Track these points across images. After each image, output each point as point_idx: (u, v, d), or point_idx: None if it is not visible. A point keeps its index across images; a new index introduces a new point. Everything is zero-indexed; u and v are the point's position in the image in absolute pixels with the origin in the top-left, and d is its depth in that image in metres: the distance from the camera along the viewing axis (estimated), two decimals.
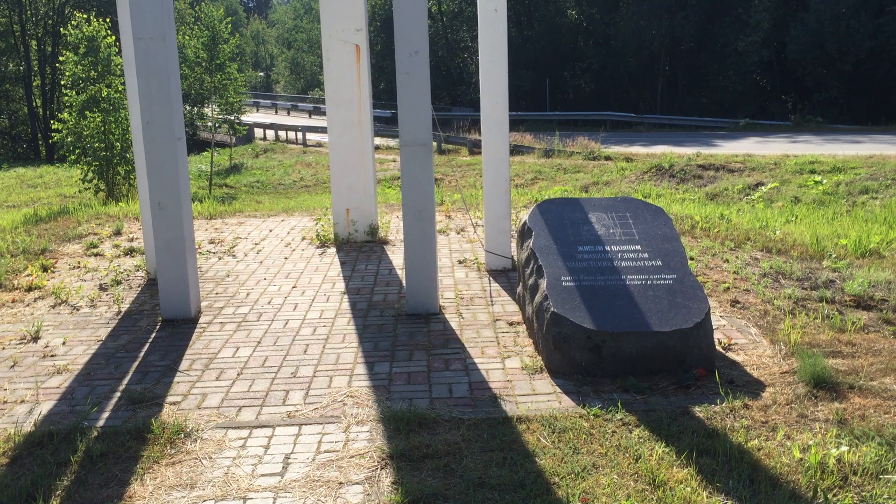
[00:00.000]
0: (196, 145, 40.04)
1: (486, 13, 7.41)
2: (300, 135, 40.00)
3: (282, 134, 42.23)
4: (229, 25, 32.76)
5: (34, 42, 52.11)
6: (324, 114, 43.64)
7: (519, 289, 6.15)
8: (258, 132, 43.69)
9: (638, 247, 5.49)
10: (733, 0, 43.86)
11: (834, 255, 7.83)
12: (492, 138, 7.60)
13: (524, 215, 6.08)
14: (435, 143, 25.54)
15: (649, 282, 5.14)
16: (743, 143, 28.26)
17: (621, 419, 4.14)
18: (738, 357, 5.08)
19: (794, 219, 11.35)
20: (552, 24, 49.48)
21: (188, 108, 35.92)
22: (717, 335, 5.40)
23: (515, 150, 27.94)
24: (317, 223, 9.97)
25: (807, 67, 40.46)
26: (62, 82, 23.91)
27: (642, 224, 5.75)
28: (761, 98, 44.14)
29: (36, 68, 51.92)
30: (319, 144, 37.63)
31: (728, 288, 6.60)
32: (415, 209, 6.07)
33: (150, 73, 5.95)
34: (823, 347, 5.15)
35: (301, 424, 4.22)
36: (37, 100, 51.93)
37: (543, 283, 5.19)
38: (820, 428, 3.96)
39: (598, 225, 5.74)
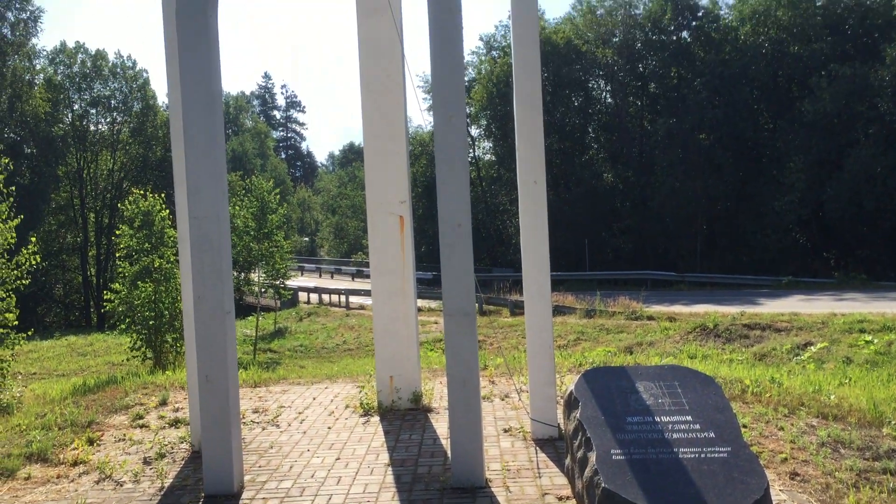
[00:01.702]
0: (242, 310, 40.78)
1: (526, 185, 7.64)
2: (343, 298, 40.62)
3: (325, 297, 42.94)
4: (277, 196, 34.13)
5: (92, 215, 54.63)
6: (367, 277, 44.57)
7: (567, 461, 5.98)
8: (302, 296, 44.52)
9: (689, 417, 5.36)
10: (767, 161, 44.78)
11: (893, 422, 7.54)
12: (534, 305, 7.64)
13: (570, 385, 6.01)
14: (476, 305, 25.77)
15: (703, 455, 4.98)
16: (787, 301, 27.98)
17: None
18: None
19: (847, 381, 11.04)
20: (589, 187, 50.70)
21: (235, 273, 36.91)
22: None
23: (557, 310, 27.96)
24: (360, 391, 9.94)
25: (846, 225, 40.58)
26: (117, 254, 24.87)
27: (692, 393, 5.64)
28: (802, 255, 44.08)
29: (92, 239, 54.14)
30: (362, 307, 38.10)
31: (785, 459, 6.35)
32: (459, 379, 6.05)
33: (203, 250, 6.18)
34: None
35: None
36: (91, 269, 53.81)
37: (593, 457, 5.05)
38: None
39: (647, 394, 5.64)
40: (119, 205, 27.90)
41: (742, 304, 26.42)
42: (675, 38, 51.25)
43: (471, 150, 56.09)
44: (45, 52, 54.19)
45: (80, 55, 55.29)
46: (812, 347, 17.52)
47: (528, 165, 7.80)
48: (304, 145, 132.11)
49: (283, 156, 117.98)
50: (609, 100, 55.56)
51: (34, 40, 50.93)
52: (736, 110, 45.36)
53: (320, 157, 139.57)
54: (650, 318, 25.45)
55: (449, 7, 6.14)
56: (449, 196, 6.16)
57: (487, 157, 59.80)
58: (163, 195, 24.85)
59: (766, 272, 40.22)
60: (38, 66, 53.77)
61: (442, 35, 6.15)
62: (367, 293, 34.65)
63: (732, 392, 8.91)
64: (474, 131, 57.60)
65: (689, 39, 50.64)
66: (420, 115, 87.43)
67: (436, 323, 28.89)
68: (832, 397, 8.68)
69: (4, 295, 12.73)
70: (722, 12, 50.96)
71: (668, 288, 37.99)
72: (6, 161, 13.23)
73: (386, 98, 9.37)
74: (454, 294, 6.12)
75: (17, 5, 47.42)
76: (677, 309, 27.33)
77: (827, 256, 42.24)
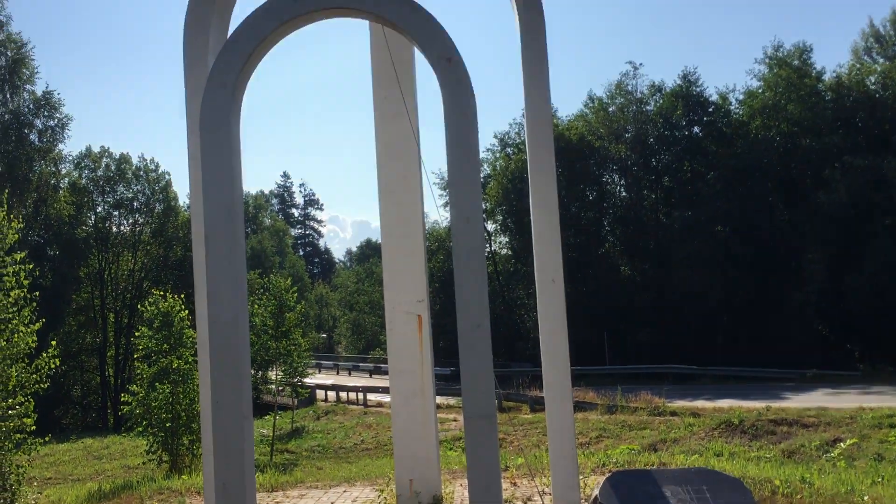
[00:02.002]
0: (259, 409, 40.39)
1: (544, 285, 7.65)
2: (361, 395, 40.23)
3: (343, 395, 42.53)
4: (295, 294, 34.26)
5: (112, 315, 55.00)
6: (384, 373, 44.25)
7: None
8: (320, 393, 44.12)
9: None
10: (785, 252, 44.70)
11: None
12: (555, 406, 7.54)
13: (594, 489, 5.87)
14: (496, 403, 25.39)
15: None
16: (813, 395, 27.43)
17: None
18: None
19: (880, 480, 10.70)
20: (606, 280, 50.62)
21: (252, 371, 36.63)
22: None
23: (577, 406, 27.49)
24: (379, 494, 9.73)
25: (869, 317, 40.12)
26: (135, 355, 24.90)
27: (721, 499, 5.48)
28: (826, 347, 43.43)
29: (111, 339, 54.33)
30: (380, 405, 37.67)
31: None
32: (481, 485, 5.91)
33: (222, 356, 6.18)
34: None
35: None
36: (109, 370, 53.79)
37: None
38: None
39: (674, 500, 5.48)
40: (139, 305, 28.08)
41: (767, 399, 25.90)
42: (686, 132, 52.01)
43: (487, 245, 56.47)
44: (70, 157, 55.67)
45: (104, 159, 56.76)
46: (842, 444, 17.08)
47: (546, 265, 7.83)
48: (321, 242, 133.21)
49: (301, 252, 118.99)
50: (623, 193, 56.06)
51: (61, 146, 52.42)
52: (751, 202, 45.58)
53: (338, 254, 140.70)
54: (673, 413, 24.97)
55: (465, 115, 6.29)
56: (467, 298, 6.16)
57: (504, 251, 60.07)
58: (182, 296, 25.01)
59: (790, 365, 39.57)
60: (63, 171, 55.16)
61: (459, 142, 6.28)
62: (384, 390, 34.29)
63: (762, 494, 8.64)
64: (490, 226, 58.08)
65: (700, 134, 51.37)
66: (436, 211, 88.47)
67: (455, 420, 28.45)
68: (865, 498, 8.40)
69: (23, 399, 12.70)
70: (732, 107, 51.84)
71: (691, 382, 37.39)
72: (30, 266, 13.42)
73: (403, 200, 9.52)
74: (474, 397, 6.05)
75: (46, 113, 49.02)
76: (701, 404, 26.83)
77: (851, 348, 41.60)
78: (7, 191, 20.27)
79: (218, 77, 6.46)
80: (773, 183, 46.85)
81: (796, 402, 25.13)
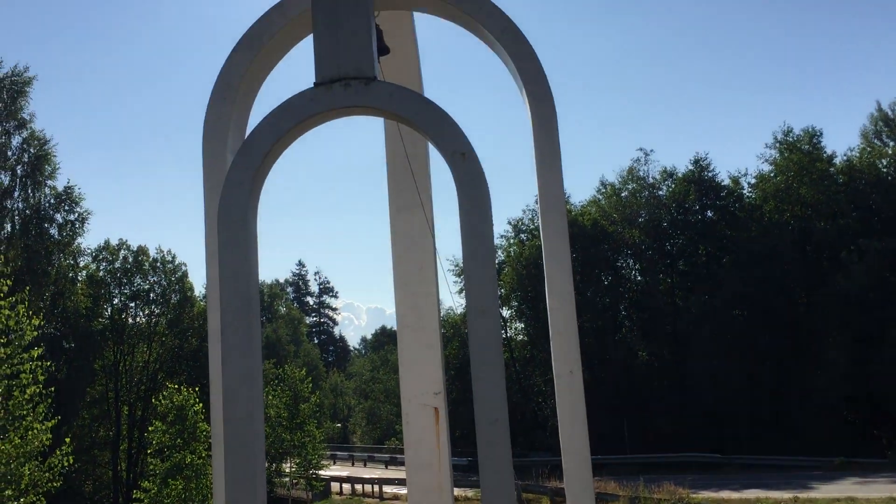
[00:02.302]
0: (273, 503, 39.61)
1: (562, 377, 7.54)
2: (377, 488, 39.43)
3: (358, 487, 41.70)
4: (310, 385, 34.03)
5: (126, 408, 54.62)
6: (400, 464, 43.45)
7: None
8: (335, 485, 43.28)
9: None
10: (806, 336, 44.17)
11: None
12: (576, 498, 7.32)
13: None
14: (515, 496, 24.81)
15: None
16: (841, 484, 26.65)
17: None
18: None
19: None
20: (624, 366, 50.06)
21: (266, 464, 36.11)
22: None
23: (599, 497, 26.79)
24: None
25: (894, 401, 39.28)
26: (148, 450, 24.62)
27: None
28: (852, 433, 42.39)
29: (124, 433, 53.79)
30: (396, 497, 36.88)
31: None
32: None
33: (237, 452, 6.07)
34: None
35: None
36: (122, 464, 53.07)
37: None
38: None
39: None
40: (153, 399, 27.97)
41: (794, 489, 25.19)
42: (699, 216, 52.23)
43: (503, 333, 56.15)
44: (89, 251, 56.32)
45: (122, 251, 57.39)
46: None
47: (563, 356, 7.73)
48: (336, 329, 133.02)
49: (316, 340, 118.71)
50: (639, 278, 55.98)
51: (80, 239, 53.08)
52: (768, 286, 45.33)
53: (353, 341, 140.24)
54: None
55: (481, 211, 6.33)
56: (484, 392, 6.06)
57: (520, 337, 59.69)
58: (197, 388, 24.88)
59: (815, 452, 38.58)
60: (81, 264, 55.71)
61: (474, 237, 6.30)
62: (401, 482, 33.60)
63: None
64: (505, 312, 57.87)
65: (714, 218, 51.54)
66: (451, 298, 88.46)
67: None
68: None
69: (34, 499, 12.51)
70: (745, 191, 52.15)
71: (715, 470, 36.45)
72: (47, 364, 13.43)
73: (419, 291, 9.51)
74: (494, 493, 5.89)
75: (66, 207, 49.83)
76: (726, 494, 26.11)
77: (878, 434, 40.57)
78: (28, 288, 20.45)
79: (236, 175, 6.55)
80: (790, 266, 46.68)
81: (824, 491, 24.41)
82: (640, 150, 58.55)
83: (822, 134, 49.31)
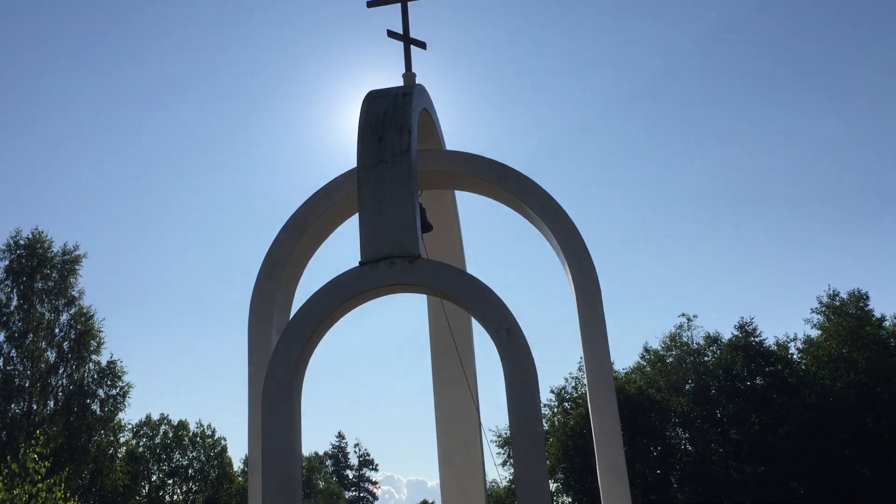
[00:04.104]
0: None
1: None
2: None
3: None
4: None
5: None
6: None
7: None
8: None
9: None
10: None
11: None
12: None
13: None
14: None
15: None
16: None
17: None
18: None
19: None
20: None
21: None
22: None
23: None
24: None
25: None
26: None
27: None
28: None
29: None
30: None
31: None
32: None
33: None
34: None
35: None
36: None
37: None
38: None
39: None
40: None
41: None
42: (749, 383, 50.86)
43: None
44: (129, 426, 56.21)
45: (163, 426, 57.23)
46: None
47: None
48: None
49: None
50: (689, 448, 53.94)
51: (121, 414, 53.11)
52: (828, 457, 43.29)
53: None
54: None
55: (527, 387, 6.21)
56: None
57: None
58: None
59: None
60: (121, 440, 55.44)
61: (521, 415, 6.15)
62: None
63: None
64: (552, 485, 55.82)
65: (764, 385, 50.15)
66: (495, 471, 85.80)
67: None
68: None
69: None
70: (794, 357, 50.98)
71: None
72: None
73: (464, 467, 9.24)
74: None
75: (109, 382, 50.19)
76: None
77: None
78: (68, 468, 20.28)
79: (281, 355, 6.56)
80: (850, 435, 44.72)
81: None
82: (683, 315, 58.09)
83: (868, 297, 48.69)
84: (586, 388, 7.86)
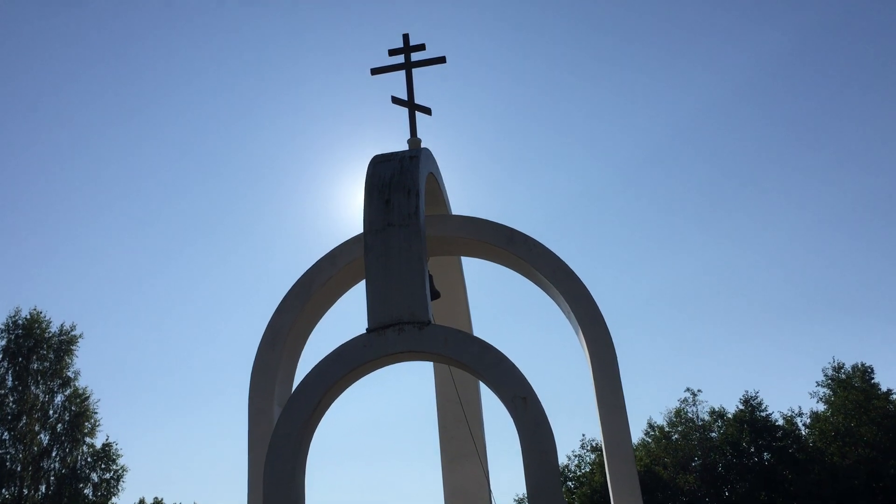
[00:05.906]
0: None
1: None
2: None
3: None
4: None
5: None
6: None
7: None
8: None
9: None
10: None
11: None
12: None
13: None
14: None
15: None
16: None
17: None
18: None
19: None
20: None
21: None
22: None
23: None
24: None
25: None
26: None
27: None
28: None
29: None
30: None
31: None
32: None
33: None
34: None
35: None
36: None
37: None
38: None
39: None
40: None
41: None
42: (756, 459, 49.74)
43: None
44: None
45: None
46: None
47: None
48: None
49: None
50: None
51: (114, 500, 51.67)
52: None
53: None
54: None
55: (546, 460, 5.82)
56: None
57: None
58: None
59: None
60: None
61: (541, 490, 5.74)
62: None
63: None
64: None
65: (773, 461, 49.02)
66: None
67: None
68: None
69: None
70: (802, 432, 49.99)
71: None
72: None
73: None
74: None
75: (103, 465, 48.97)
76: None
77: None
78: None
79: (284, 428, 6.17)
80: None
81: None
82: (688, 390, 57.20)
83: (873, 370, 48.06)
84: (605, 462, 7.44)
